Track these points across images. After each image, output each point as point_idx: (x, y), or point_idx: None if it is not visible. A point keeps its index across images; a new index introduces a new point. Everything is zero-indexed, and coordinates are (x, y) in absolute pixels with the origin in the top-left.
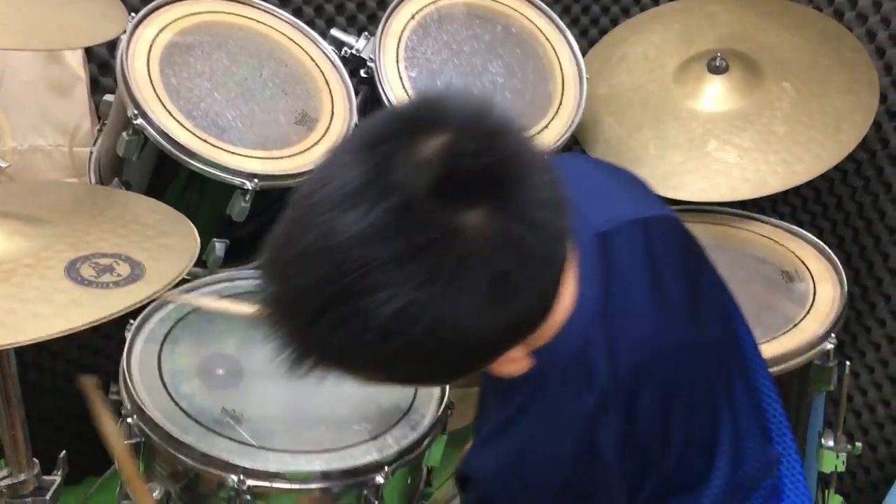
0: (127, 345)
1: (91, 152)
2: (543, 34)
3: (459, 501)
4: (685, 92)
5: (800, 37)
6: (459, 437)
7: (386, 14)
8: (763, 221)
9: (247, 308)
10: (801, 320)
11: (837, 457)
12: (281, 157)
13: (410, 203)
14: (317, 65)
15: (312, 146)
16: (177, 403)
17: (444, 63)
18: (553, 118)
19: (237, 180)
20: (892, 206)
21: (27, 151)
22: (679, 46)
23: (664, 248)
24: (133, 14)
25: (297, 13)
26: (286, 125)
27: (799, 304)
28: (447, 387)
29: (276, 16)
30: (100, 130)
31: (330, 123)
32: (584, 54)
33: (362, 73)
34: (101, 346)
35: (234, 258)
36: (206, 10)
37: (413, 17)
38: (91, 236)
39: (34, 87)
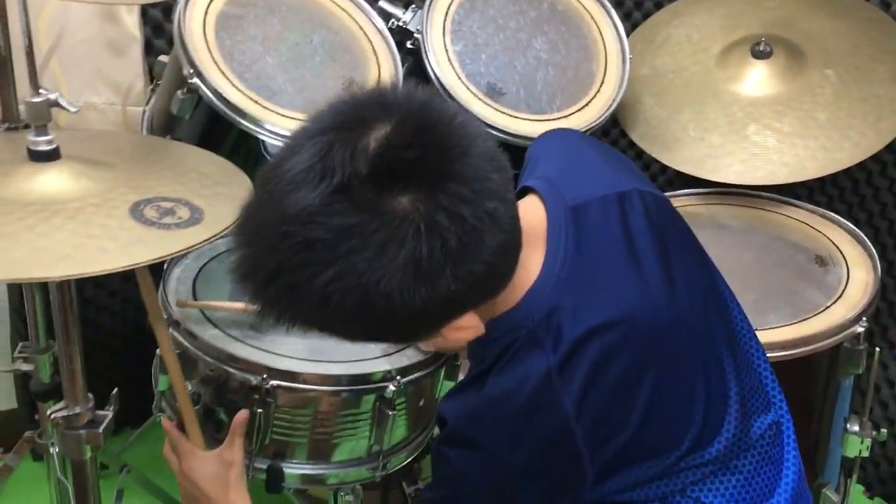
0: (164, 271)
1: (144, 111)
2: (589, 13)
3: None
4: (727, 75)
5: (845, 24)
6: None
7: None
8: (798, 206)
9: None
10: (833, 303)
11: (862, 442)
12: None
13: (347, 186)
14: (365, 34)
15: None
16: (208, 319)
17: (489, 37)
18: (594, 97)
19: (281, 143)
20: None
21: (81, 108)
22: (723, 30)
23: (641, 223)
24: None
25: None
26: (334, 90)
27: (832, 288)
28: None
29: None
30: (153, 90)
31: None
32: (627, 36)
33: (408, 44)
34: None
35: None
36: None
37: None
38: (151, 181)
39: (91, 45)
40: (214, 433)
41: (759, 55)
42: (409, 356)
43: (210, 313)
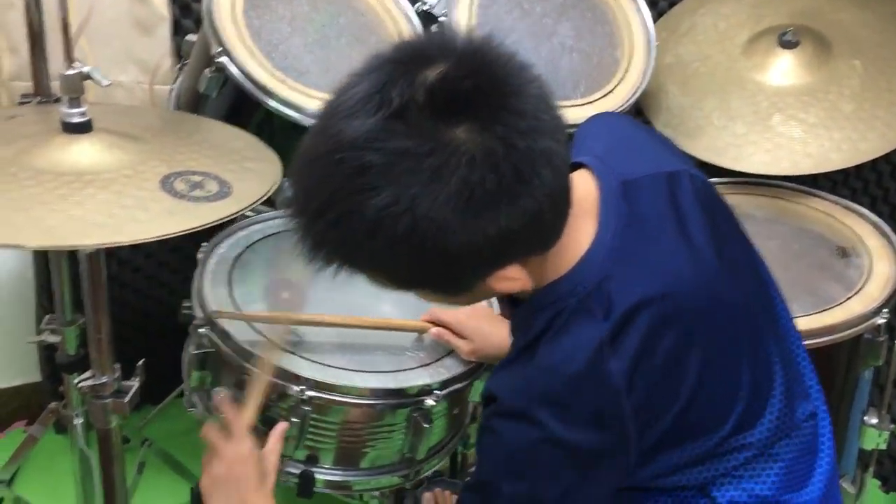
0: (200, 264)
1: (171, 90)
2: None
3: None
4: (753, 65)
5: (873, 15)
6: None
7: None
8: (822, 197)
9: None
10: (855, 294)
11: (880, 435)
12: None
13: (403, 112)
14: (392, 16)
15: None
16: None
17: (514, 22)
18: (618, 84)
19: (310, 122)
20: None
21: (109, 87)
22: (750, 20)
23: (689, 203)
24: None
25: None
26: None
27: (853, 279)
28: None
29: None
30: (180, 69)
31: None
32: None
33: (433, 28)
34: (179, 265)
35: None
36: None
37: None
38: (181, 155)
39: (119, 24)
40: None
41: (785, 45)
42: (447, 367)
43: (242, 307)
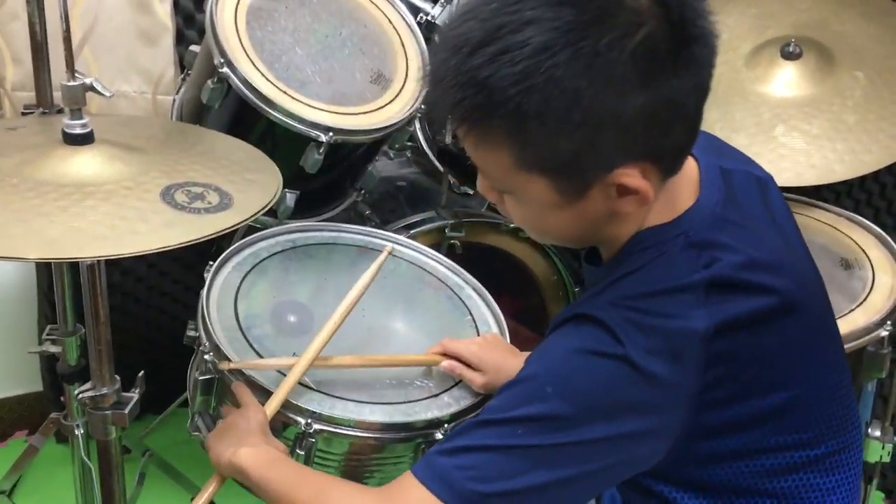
0: (206, 286)
1: (174, 100)
2: None
3: None
4: (756, 76)
5: (877, 27)
6: None
7: None
8: (825, 209)
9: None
10: (857, 307)
11: (883, 447)
12: (356, 114)
13: None
14: (394, 27)
15: (386, 105)
16: (251, 345)
17: None
18: None
19: (313, 132)
20: None
21: (112, 96)
22: (753, 31)
23: (779, 206)
24: None
25: None
26: (362, 83)
27: (856, 292)
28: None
29: None
30: (183, 79)
31: (403, 84)
32: None
33: (435, 38)
34: (181, 275)
35: (303, 210)
36: None
37: None
38: (183, 167)
39: (123, 34)
40: None
41: (788, 56)
42: (456, 398)
43: (260, 346)
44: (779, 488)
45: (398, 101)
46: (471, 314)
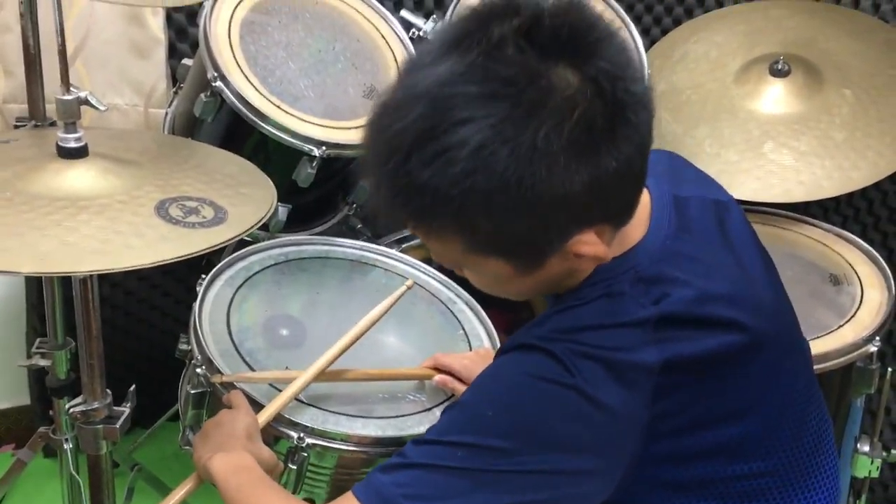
0: (198, 300)
1: (166, 113)
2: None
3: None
4: (745, 93)
5: (863, 45)
6: None
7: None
8: (814, 225)
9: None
10: (846, 322)
11: (872, 462)
12: (348, 128)
13: (500, 47)
14: (387, 42)
15: None
16: (243, 359)
17: None
18: None
19: (306, 146)
20: None
21: (107, 110)
22: (742, 48)
23: (738, 230)
24: None
25: None
26: (355, 97)
27: (845, 307)
28: None
29: None
30: (175, 93)
31: None
32: (645, 51)
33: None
34: (171, 288)
35: (295, 224)
36: None
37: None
38: (176, 181)
39: (116, 47)
40: None
41: (777, 73)
42: None
43: (252, 359)
44: None
45: None
46: (463, 328)
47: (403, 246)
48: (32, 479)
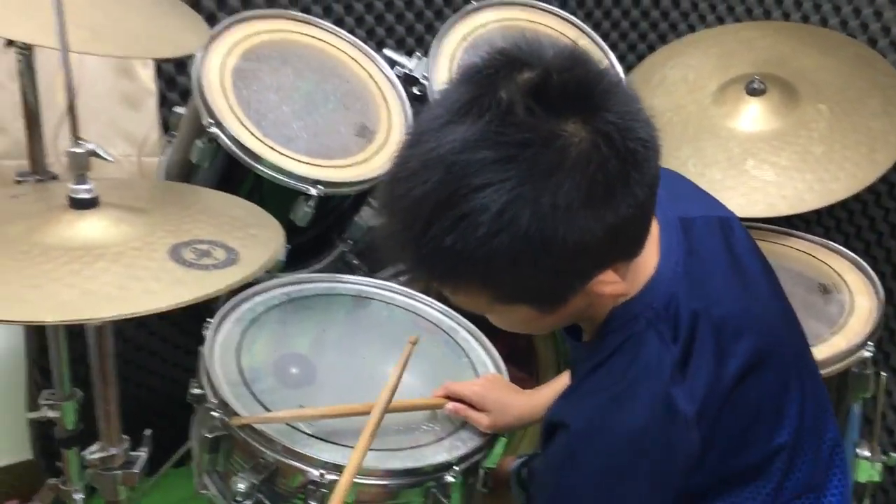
0: (207, 343)
1: (160, 161)
2: None
3: (542, 450)
4: (724, 112)
5: (835, 61)
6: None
7: (438, 35)
8: (800, 237)
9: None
10: (839, 330)
11: (872, 466)
12: (343, 167)
13: (511, 110)
14: (375, 81)
15: (372, 156)
16: (257, 399)
17: None
18: None
19: (302, 186)
20: None
21: (97, 160)
22: (717, 70)
23: (743, 246)
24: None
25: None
26: (347, 136)
27: (836, 315)
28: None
29: (337, 35)
30: (168, 141)
31: (388, 136)
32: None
33: (415, 90)
34: (167, 333)
35: (293, 263)
36: (273, 29)
37: (465, 39)
38: (187, 225)
39: (107, 98)
40: None
41: (753, 92)
42: (464, 440)
43: (266, 399)
44: None
45: (383, 152)
46: (468, 356)
47: (401, 278)
48: None
